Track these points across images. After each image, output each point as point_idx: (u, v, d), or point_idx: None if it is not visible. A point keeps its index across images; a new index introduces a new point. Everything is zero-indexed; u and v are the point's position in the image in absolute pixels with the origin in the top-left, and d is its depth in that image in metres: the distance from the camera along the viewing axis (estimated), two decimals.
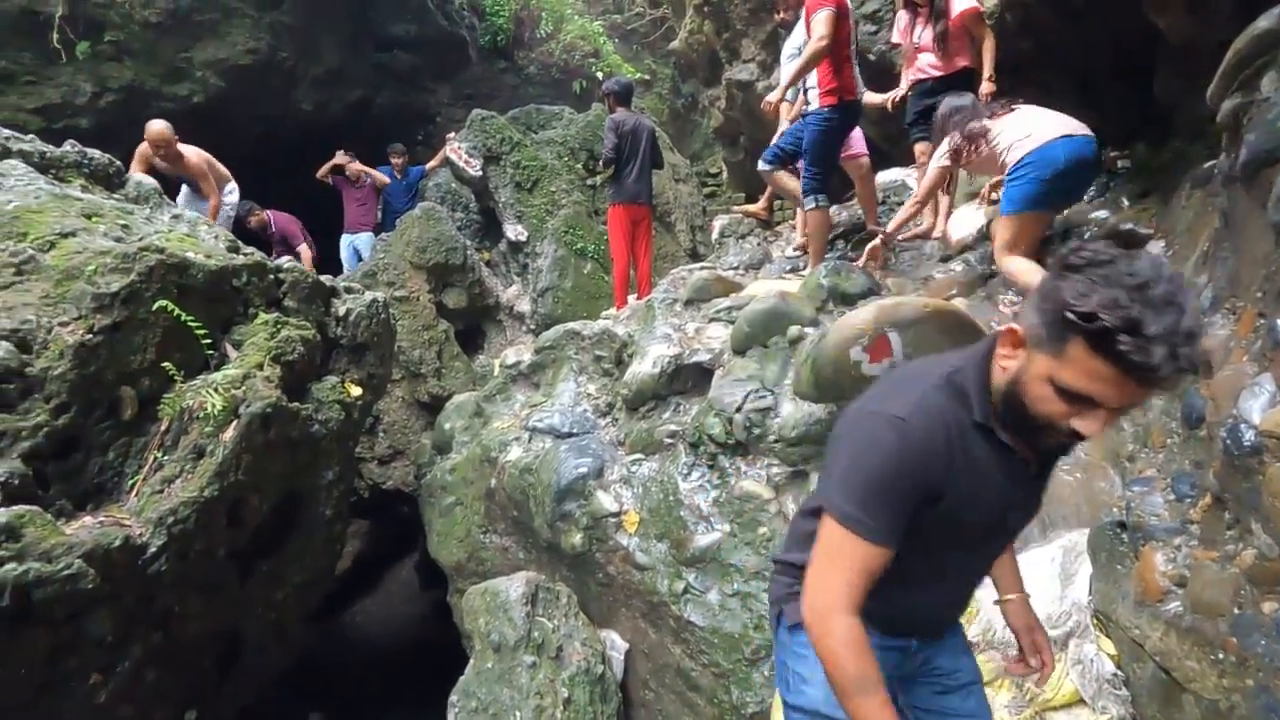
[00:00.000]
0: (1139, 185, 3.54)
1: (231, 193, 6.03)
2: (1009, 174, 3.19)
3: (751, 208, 5.68)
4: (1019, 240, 3.24)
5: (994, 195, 4.00)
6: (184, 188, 5.86)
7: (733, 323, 3.80)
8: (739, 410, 3.24)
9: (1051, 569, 2.52)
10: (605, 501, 3.41)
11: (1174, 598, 1.95)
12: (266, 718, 5.39)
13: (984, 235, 3.94)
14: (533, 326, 7.66)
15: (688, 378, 3.73)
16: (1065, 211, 3.58)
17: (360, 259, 7.76)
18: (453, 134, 7.97)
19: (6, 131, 3.83)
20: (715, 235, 5.76)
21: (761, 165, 4.69)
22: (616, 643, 3.37)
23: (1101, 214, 3.57)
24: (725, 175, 8.89)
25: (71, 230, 3.24)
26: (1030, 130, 3.14)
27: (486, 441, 4.26)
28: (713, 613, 2.95)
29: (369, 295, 4.54)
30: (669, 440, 3.50)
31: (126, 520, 2.79)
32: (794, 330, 3.36)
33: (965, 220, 4.12)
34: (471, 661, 3.27)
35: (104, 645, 2.60)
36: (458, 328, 7.41)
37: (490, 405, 4.74)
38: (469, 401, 4.97)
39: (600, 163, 6.08)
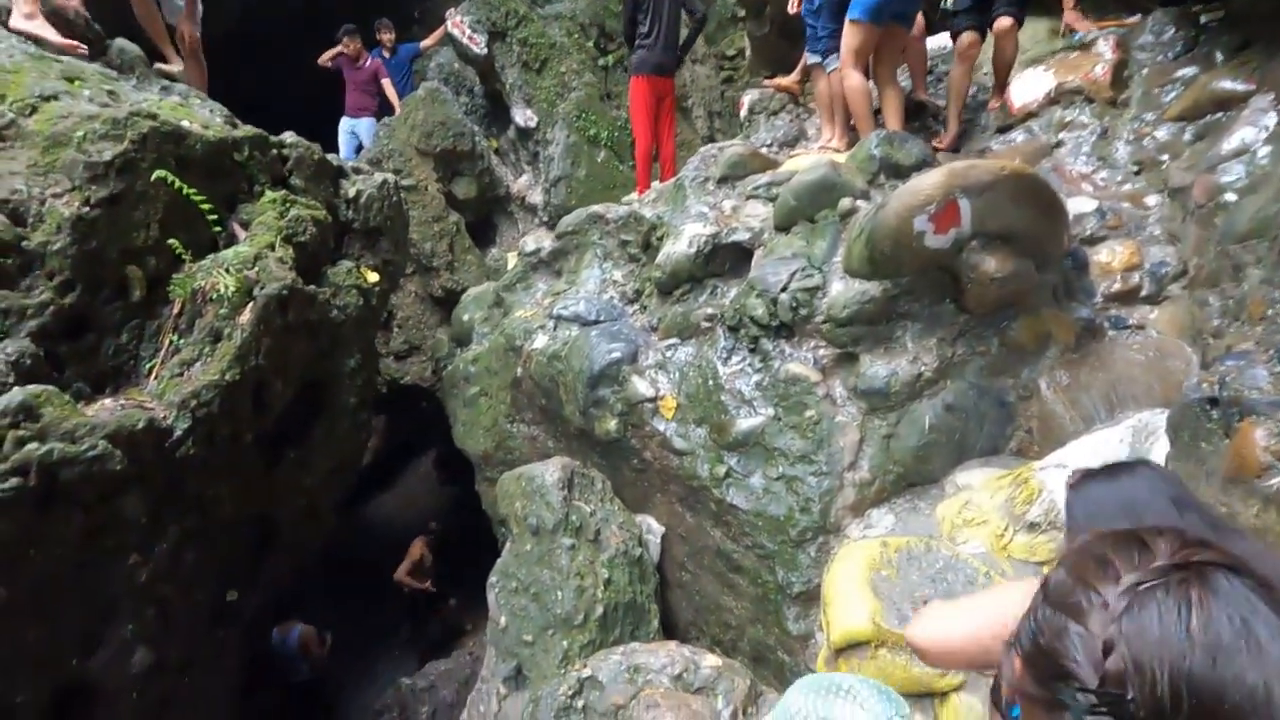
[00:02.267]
0: (1237, 36, 3.16)
1: None
2: None
3: (783, 81, 5.23)
4: (860, 51, 3.70)
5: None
6: None
7: (773, 199, 3.54)
8: (783, 290, 3.05)
9: (1120, 450, 2.40)
10: (641, 387, 3.28)
11: (1275, 472, 1.82)
12: (300, 600, 5.59)
13: (1052, 99, 3.59)
14: (545, 218, 7.34)
15: (725, 258, 3.51)
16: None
17: (360, 145, 7.31)
18: (453, 9, 7.33)
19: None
20: (744, 112, 5.36)
21: (810, 59, 4.28)
22: (652, 526, 3.34)
23: (1188, 71, 3.22)
24: (748, 55, 8.25)
25: (53, 93, 2.94)
26: None
27: (509, 331, 4.10)
28: (756, 496, 2.88)
29: (379, 176, 4.25)
30: (706, 324, 3.33)
31: (148, 403, 2.67)
32: (845, 203, 3.11)
33: (1031, 84, 3.75)
34: (509, 544, 3.25)
35: (139, 527, 2.54)
36: (468, 219, 7.10)
37: (510, 295, 4.55)
38: (487, 292, 4.78)
39: (623, 36, 5.53)
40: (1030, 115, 3.71)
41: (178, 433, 2.65)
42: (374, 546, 7.12)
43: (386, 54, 7.65)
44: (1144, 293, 2.96)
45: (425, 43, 7.90)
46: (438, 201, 6.75)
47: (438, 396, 5.61)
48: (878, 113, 4.13)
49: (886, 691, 1.11)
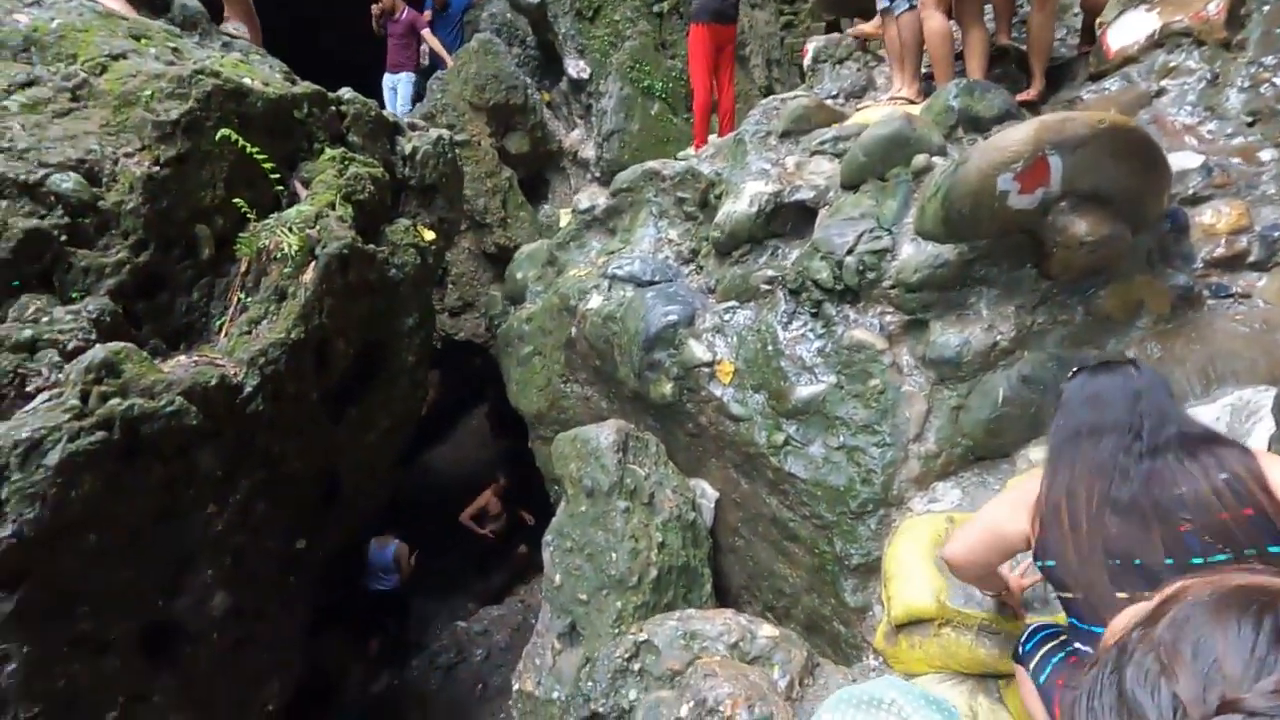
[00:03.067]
0: None
1: None
2: None
3: (866, 27, 4.88)
4: None
5: None
6: None
7: (840, 155, 3.36)
8: (849, 252, 2.91)
9: (1216, 429, 2.24)
10: (697, 350, 3.22)
11: None
12: (361, 550, 5.85)
13: (1155, 41, 3.27)
14: (598, 174, 7.22)
15: (787, 218, 3.37)
16: None
17: (399, 100, 7.21)
18: None
19: None
20: (808, 60, 5.07)
21: (880, 2, 3.89)
22: (707, 491, 3.32)
23: None
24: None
25: (121, 52, 2.98)
26: None
27: (564, 290, 4.06)
28: (815, 465, 2.81)
29: (434, 132, 4.22)
30: (766, 287, 3.22)
31: (220, 360, 2.75)
32: (920, 159, 2.93)
33: (1131, 26, 3.41)
34: (563, 504, 3.28)
35: (214, 480, 2.65)
36: (520, 175, 7.04)
37: (564, 253, 4.50)
38: (541, 249, 4.74)
39: None
40: (1128, 60, 3.38)
41: (248, 389, 2.73)
42: (430, 496, 7.36)
43: (438, 7, 7.49)
44: (1252, 258, 2.71)
45: None
46: (491, 157, 6.70)
47: (491, 353, 5.68)
48: (958, 57, 3.85)
49: (934, 700, 1.04)
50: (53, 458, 2.08)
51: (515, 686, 3.07)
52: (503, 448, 7.71)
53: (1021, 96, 3.29)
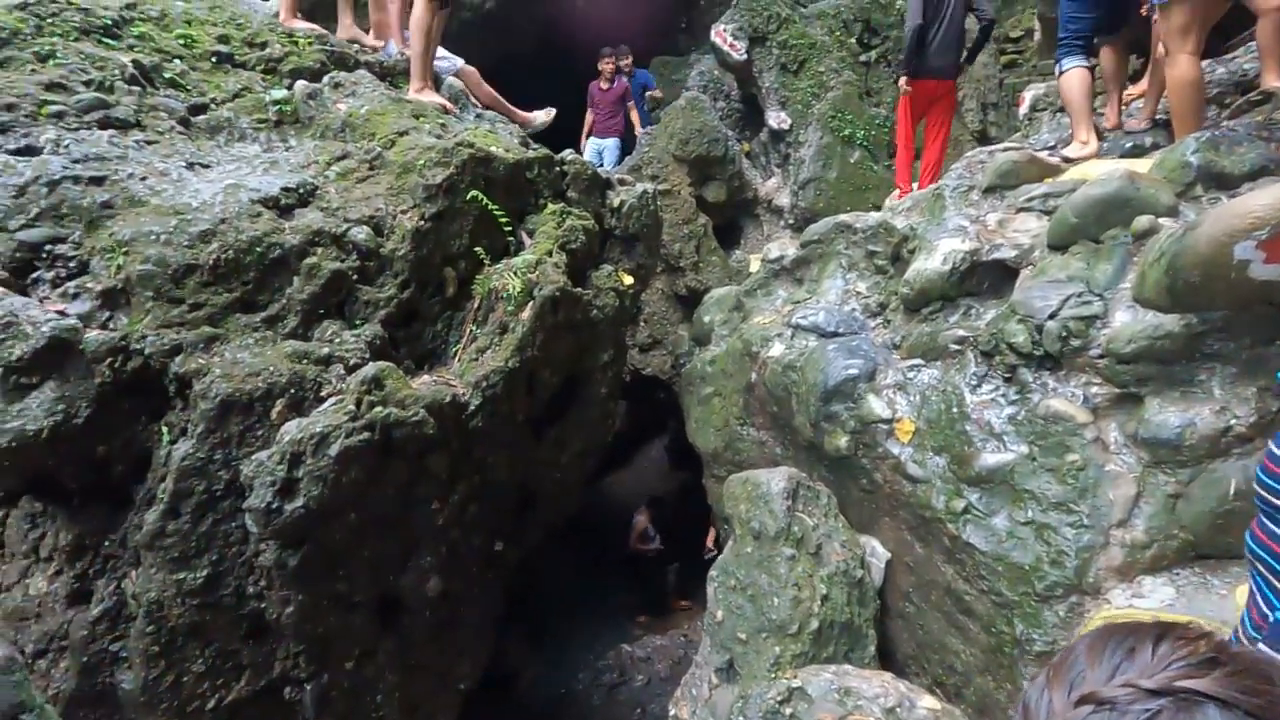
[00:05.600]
0: None
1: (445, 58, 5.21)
2: None
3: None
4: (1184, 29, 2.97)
5: None
6: None
7: (1049, 212, 3.19)
8: (1052, 317, 2.75)
9: None
10: (876, 406, 3.20)
11: None
12: (548, 556, 6.38)
13: None
14: (791, 221, 7.34)
15: (984, 277, 3.26)
16: None
17: (606, 164, 7.83)
18: (719, 22, 7.59)
19: (356, 45, 4.47)
20: (1024, 109, 4.83)
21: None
22: (878, 550, 3.26)
23: None
24: (1038, 37, 7.34)
25: (405, 129, 3.72)
26: None
27: (747, 336, 4.23)
28: (998, 538, 2.67)
29: (640, 187, 4.65)
30: (956, 346, 3.13)
31: (453, 381, 3.29)
32: (1143, 221, 2.70)
33: None
34: (731, 544, 3.41)
35: (440, 481, 3.17)
36: (715, 222, 7.38)
37: (750, 300, 4.68)
38: (729, 295, 4.96)
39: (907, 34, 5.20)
40: None
41: (472, 407, 3.24)
42: (609, 517, 7.83)
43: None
44: None
45: (656, 94, 8.29)
46: (689, 205, 7.12)
47: (674, 390, 5.99)
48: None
49: None
50: (334, 449, 2.66)
51: (671, 712, 3.22)
52: (678, 479, 8.00)
53: None
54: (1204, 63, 3.95)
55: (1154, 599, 2.34)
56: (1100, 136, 3.89)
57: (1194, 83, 3.22)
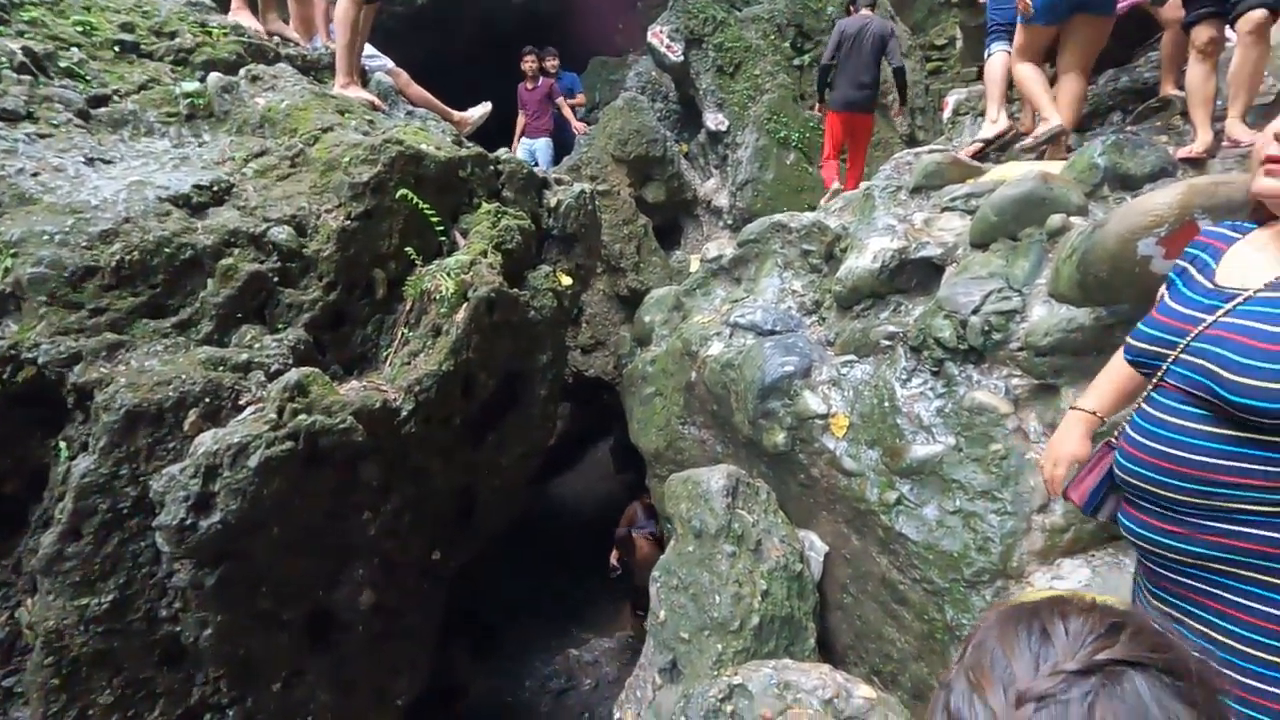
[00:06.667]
0: None
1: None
2: None
3: None
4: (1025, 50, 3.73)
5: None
6: None
7: (972, 212, 3.31)
8: (975, 312, 2.85)
9: None
10: (812, 402, 3.26)
11: None
12: (491, 562, 6.26)
13: None
14: (730, 221, 7.43)
15: (912, 274, 3.36)
16: None
17: (540, 164, 7.75)
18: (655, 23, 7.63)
19: (279, 38, 4.28)
20: (948, 113, 5.01)
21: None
22: (815, 544, 3.31)
23: None
24: (959, 46, 7.65)
25: (329, 125, 3.58)
26: None
27: (687, 335, 4.24)
28: (929, 528, 2.74)
29: (577, 187, 4.61)
30: (886, 342, 3.21)
31: (384, 386, 3.17)
32: (1055, 220, 2.83)
33: None
34: (673, 543, 3.40)
35: (372, 490, 3.05)
36: (655, 223, 7.40)
37: (690, 299, 4.70)
38: (669, 295, 4.97)
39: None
40: None
41: (404, 412, 3.13)
42: (553, 520, 7.74)
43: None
44: None
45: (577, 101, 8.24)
46: (628, 205, 7.12)
47: (618, 391, 5.96)
48: None
49: None
50: (254, 460, 2.52)
51: (616, 715, 3.19)
52: (623, 481, 7.98)
53: (1183, 153, 3.07)
54: (1108, 71, 4.19)
55: (1072, 579, 2.44)
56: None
57: (1035, 78, 3.78)
